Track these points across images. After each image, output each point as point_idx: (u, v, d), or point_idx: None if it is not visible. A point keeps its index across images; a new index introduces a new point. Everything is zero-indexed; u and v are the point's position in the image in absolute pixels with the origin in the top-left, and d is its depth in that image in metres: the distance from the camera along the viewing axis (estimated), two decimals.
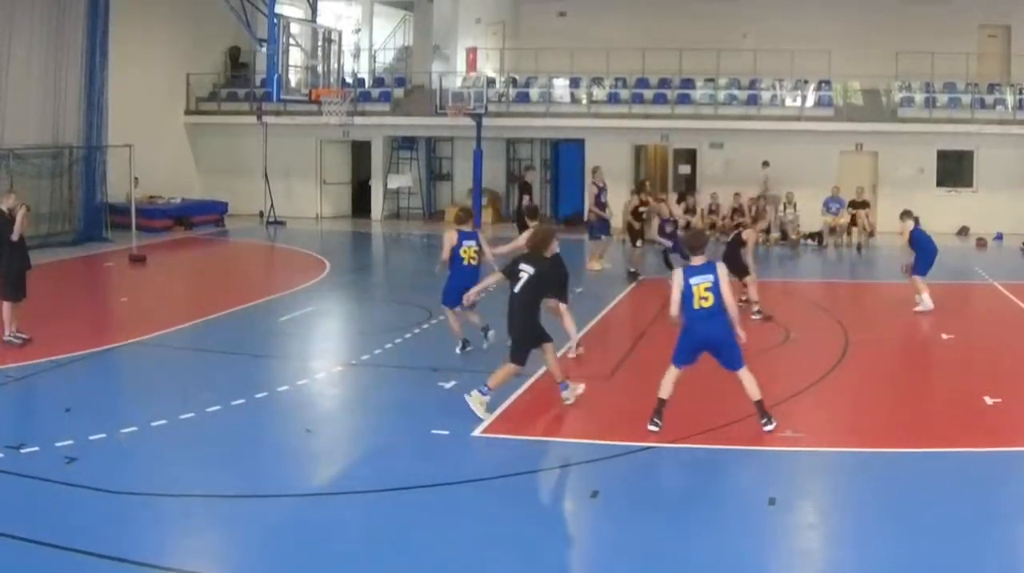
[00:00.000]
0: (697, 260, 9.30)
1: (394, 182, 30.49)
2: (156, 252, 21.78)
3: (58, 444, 8.71)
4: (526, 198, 19.74)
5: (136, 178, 22.84)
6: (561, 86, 29.11)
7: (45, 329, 13.04)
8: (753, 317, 14.79)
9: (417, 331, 13.89)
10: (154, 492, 7.74)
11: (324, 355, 12.78)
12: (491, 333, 12.34)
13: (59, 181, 22.93)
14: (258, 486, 7.99)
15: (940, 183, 27.35)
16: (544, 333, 10.03)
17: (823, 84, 27.46)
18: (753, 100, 27.77)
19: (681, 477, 8.50)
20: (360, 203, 30.98)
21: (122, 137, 22.94)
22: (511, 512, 7.71)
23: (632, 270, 18.97)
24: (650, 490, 8.16)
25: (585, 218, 22.63)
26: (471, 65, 29.62)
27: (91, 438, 8.93)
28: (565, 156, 30.30)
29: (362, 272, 21.51)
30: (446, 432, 9.31)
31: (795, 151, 26.54)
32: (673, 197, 27.03)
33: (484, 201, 28.26)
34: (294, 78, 19.72)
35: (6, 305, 12.54)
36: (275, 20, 18.51)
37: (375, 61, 32.08)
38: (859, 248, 24.21)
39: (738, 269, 14.88)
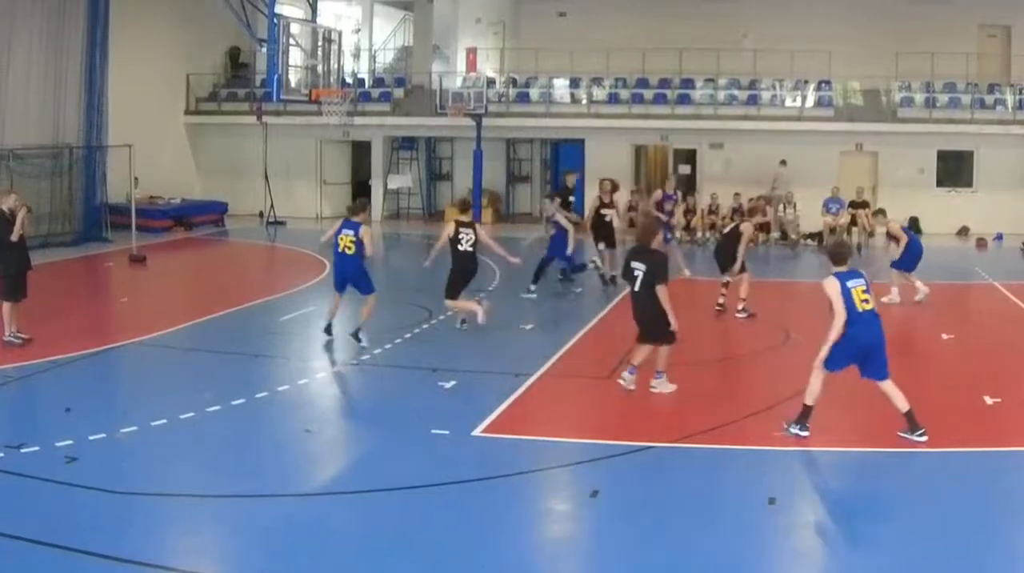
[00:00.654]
0: (842, 269, 9.10)
1: (394, 182, 30.50)
2: (156, 252, 21.77)
3: (58, 444, 8.71)
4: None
5: (136, 178, 22.88)
6: (561, 86, 29.12)
7: (45, 329, 13.04)
8: (738, 314, 14.83)
9: (417, 331, 13.88)
10: (154, 492, 7.74)
11: (324, 355, 12.77)
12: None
13: (59, 181, 22.92)
14: (258, 486, 7.98)
15: (940, 183, 27.39)
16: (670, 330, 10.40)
17: (823, 84, 27.47)
18: (753, 100, 27.78)
19: (681, 477, 8.49)
20: None
21: (122, 137, 22.94)
22: (511, 512, 7.71)
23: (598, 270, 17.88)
24: (650, 490, 8.15)
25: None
26: (471, 65, 29.63)
27: (91, 438, 8.93)
28: (565, 156, 30.29)
29: None
30: (446, 432, 9.31)
31: (795, 151, 26.55)
32: None
33: (484, 201, 28.26)
34: (294, 78, 19.73)
35: (6, 305, 12.54)
36: (275, 20, 18.52)
37: (375, 61, 32.09)
38: (859, 248, 24.18)
39: (726, 261, 14.98)
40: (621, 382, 10.67)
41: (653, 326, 10.49)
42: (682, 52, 27.63)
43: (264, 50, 19.21)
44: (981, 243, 25.25)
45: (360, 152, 30.88)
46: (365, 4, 31.66)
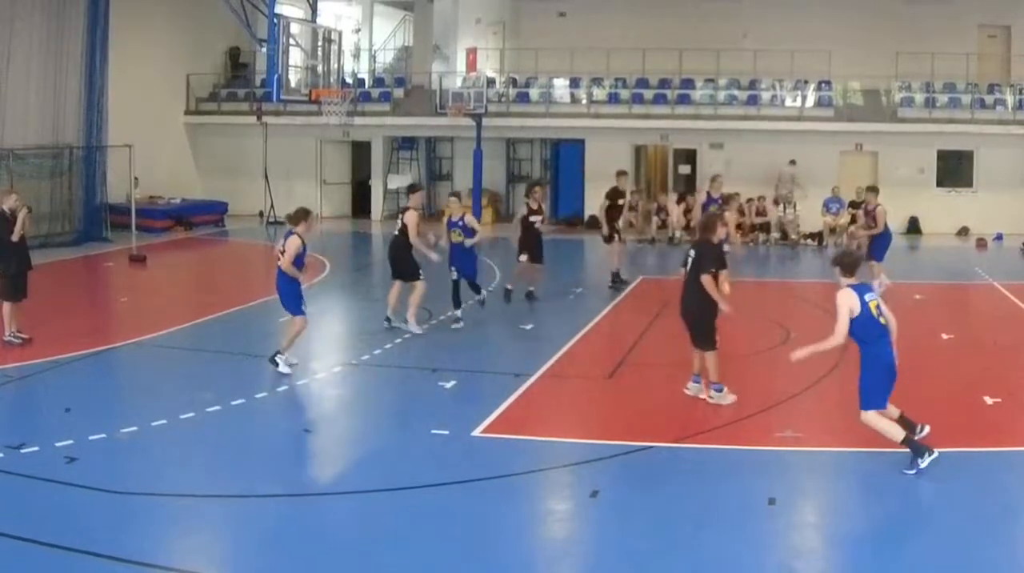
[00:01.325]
0: (853, 280, 8.47)
1: (394, 182, 30.48)
2: (156, 252, 21.77)
3: (58, 444, 8.71)
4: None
5: (136, 178, 22.88)
6: (561, 86, 29.10)
7: (45, 329, 13.04)
8: None
9: (417, 331, 13.86)
10: (154, 492, 7.74)
11: (324, 355, 12.77)
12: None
13: (59, 181, 22.92)
14: (258, 486, 7.98)
15: (940, 183, 27.37)
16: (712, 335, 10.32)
17: (823, 84, 27.45)
18: (753, 100, 27.77)
19: (681, 477, 8.49)
20: (360, 203, 30.96)
21: (122, 137, 22.94)
22: (511, 512, 7.71)
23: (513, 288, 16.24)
24: (650, 490, 8.14)
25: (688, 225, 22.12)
26: (471, 65, 29.60)
27: (91, 438, 8.93)
28: (565, 156, 30.29)
29: (362, 272, 21.53)
30: (446, 432, 9.31)
31: (795, 152, 26.54)
32: (673, 197, 27.12)
33: (484, 201, 28.25)
34: (294, 78, 19.74)
35: (6, 305, 12.54)
36: (275, 20, 18.53)
37: (375, 61, 32.08)
38: (859, 248, 24.15)
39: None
40: (687, 391, 10.55)
41: (697, 326, 10.34)
42: (682, 52, 27.61)
43: (264, 50, 19.22)
44: (981, 243, 25.24)
45: (360, 152, 30.87)
46: (365, 4, 31.66)
